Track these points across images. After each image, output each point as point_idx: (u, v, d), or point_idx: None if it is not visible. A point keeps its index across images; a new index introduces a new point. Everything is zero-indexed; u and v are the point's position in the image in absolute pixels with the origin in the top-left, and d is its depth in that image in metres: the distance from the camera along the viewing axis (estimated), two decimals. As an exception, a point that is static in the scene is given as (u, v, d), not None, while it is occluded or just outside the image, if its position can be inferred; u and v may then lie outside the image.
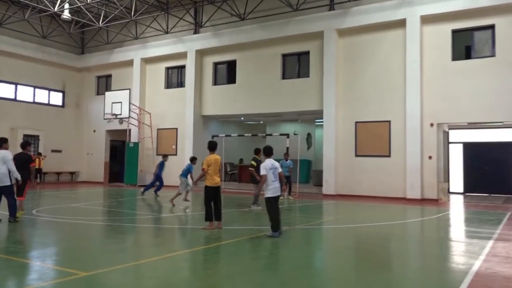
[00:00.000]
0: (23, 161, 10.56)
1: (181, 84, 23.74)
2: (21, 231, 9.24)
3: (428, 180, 16.68)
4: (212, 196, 9.19)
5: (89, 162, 26.54)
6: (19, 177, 9.85)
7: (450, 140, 19.97)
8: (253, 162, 13.20)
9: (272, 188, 8.25)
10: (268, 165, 8.31)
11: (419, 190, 16.53)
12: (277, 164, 8.52)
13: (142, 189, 17.60)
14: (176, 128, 23.18)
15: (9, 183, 9.68)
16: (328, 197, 17.66)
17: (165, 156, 17.06)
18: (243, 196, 17.60)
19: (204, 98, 22.59)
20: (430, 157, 16.74)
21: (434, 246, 8.19)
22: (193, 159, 14.52)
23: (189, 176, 14.10)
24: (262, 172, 8.23)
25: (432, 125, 16.78)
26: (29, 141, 12.22)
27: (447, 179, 19.12)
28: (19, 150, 11.03)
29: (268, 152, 8.67)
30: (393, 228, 10.24)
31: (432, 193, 16.58)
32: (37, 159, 21.98)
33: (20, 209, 10.50)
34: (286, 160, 16.52)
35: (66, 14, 22.03)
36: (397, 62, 17.49)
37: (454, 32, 16.69)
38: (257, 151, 13.51)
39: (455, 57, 16.68)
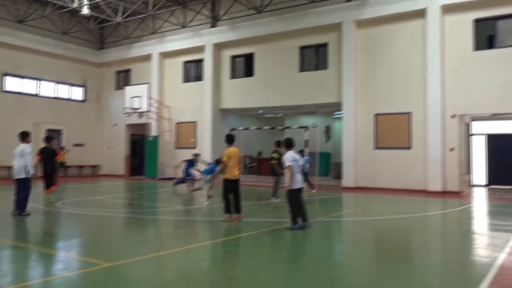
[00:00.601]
0: (48, 155, 11.09)
1: (199, 78, 23.83)
2: (46, 223, 9.47)
3: (450, 173, 16.43)
4: (231, 188, 9.25)
5: (110, 156, 26.93)
6: (31, 171, 9.90)
7: (472, 132, 19.60)
8: (274, 155, 13.22)
9: (296, 180, 8.26)
10: (291, 157, 8.32)
11: (441, 182, 16.30)
12: (298, 156, 8.53)
13: (174, 181, 17.78)
14: (195, 122, 23.33)
15: (23, 176, 9.72)
16: (347, 189, 17.57)
17: (196, 156, 16.98)
18: (262, 189, 17.64)
19: (222, 92, 22.65)
20: (451, 149, 16.47)
21: (457, 239, 8.09)
22: (217, 162, 14.38)
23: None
24: (287, 163, 8.22)
25: (453, 116, 16.48)
26: (52, 135, 12.85)
27: (469, 171, 18.80)
28: (42, 145, 11.30)
29: (289, 144, 8.65)
30: (414, 220, 10.14)
31: (454, 186, 16.33)
32: (62, 153, 22.47)
33: (49, 197, 11.27)
34: (303, 156, 16.44)
35: (85, 10, 22.29)
36: (417, 53, 17.21)
37: (477, 21, 16.31)
38: (278, 144, 13.54)
39: (478, 47, 16.31)
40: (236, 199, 9.30)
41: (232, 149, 9.41)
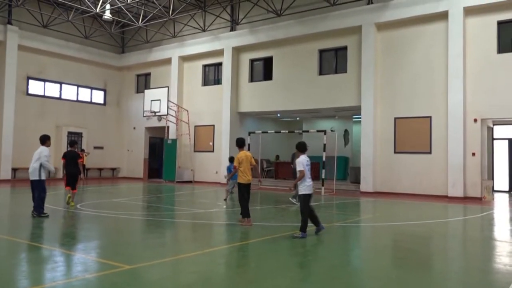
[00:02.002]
0: (72, 158, 12.00)
1: (218, 81, 23.98)
2: (67, 224, 9.65)
3: (471, 178, 16.15)
4: (246, 192, 9.29)
5: (129, 159, 27.28)
6: (52, 169, 10.24)
7: (494, 136, 19.23)
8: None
9: (308, 185, 8.17)
10: (304, 161, 8.24)
11: (462, 188, 16.04)
12: (309, 161, 8.46)
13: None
14: (213, 125, 23.46)
15: (37, 178, 9.94)
16: (366, 194, 17.42)
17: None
18: (280, 193, 17.62)
19: (240, 95, 22.74)
20: (473, 154, 16.19)
21: (478, 246, 7.94)
22: (231, 159, 14.76)
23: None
24: (300, 167, 8.14)
25: (475, 120, 16.22)
26: (75, 140, 13.95)
27: (491, 176, 18.44)
28: (63, 147, 11.62)
29: (303, 148, 8.50)
30: (435, 226, 9.99)
31: (476, 191, 16.04)
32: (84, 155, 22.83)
33: (71, 201, 11.86)
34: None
35: (107, 15, 22.70)
36: (438, 56, 16.99)
37: (500, 23, 16.04)
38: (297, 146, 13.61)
39: (501, 49, 16.02)
40: (247, 202, 9.37)
41: (243, 153, 9.47)
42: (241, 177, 9.32)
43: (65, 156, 12.21)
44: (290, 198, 13.54)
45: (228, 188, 14.61)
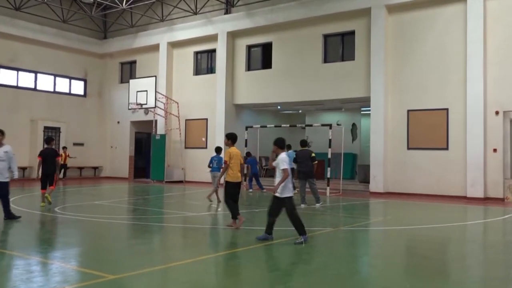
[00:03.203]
0: (49, 156, 12.21)
1: (211, 70, 23.95)
2: (43, 230, 9.64)
3: (493, 177, 16.20)
4: (235, 192, 9.26)
5: (113, 156, 27.27)
6: (8, 175, 10.04)
7: (518, 131, 19.27)
8: (313, 154, 13.44)
9: (290, 186, 8.11)
10: (287, 159, 8.14)
11: (482, 188, 16.09)
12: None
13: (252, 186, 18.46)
14: (206, 119, 23.46)
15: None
16: (376, 195, 17.47)
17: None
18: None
19: (236, 85, 22.72)
20: (495, 150, 16.24)
21: (500, 252, 7.98)
22: (218, 150, 14.62)
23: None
24: (284, 165, 8.00)
25: (497, 113, 16.25)
26: (52, 136, 14.06)
27: (515, 175, 18.50)
28: (39, 144, 11.64)
29: (282, 144, 8.38)
30: (452, 230, 10.03)
31: (497, 192, 16.10)
32: (62, 154, 22.87)
33: (44, 200, 12.19)
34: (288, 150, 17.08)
35: (87, -4, 22.60)
36: (456, 41, 17.00)
37: (525, 5, 16.05)
38: (303, 143, 13.75)
39: (526, 34, 16.05)
40: (236, 204, 9.38)
41: (235, 149, 9.50)
42: (229, 174, 9.33)
43: (42, 154, 12.30)
44: (315, 205, 13.55)
45: (214, 185, 14.27)
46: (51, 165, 12.26)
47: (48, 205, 12.25)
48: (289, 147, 17.57)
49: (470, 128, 16.41)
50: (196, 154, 23.58)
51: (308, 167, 13.35)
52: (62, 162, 22.45)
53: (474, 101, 16.36)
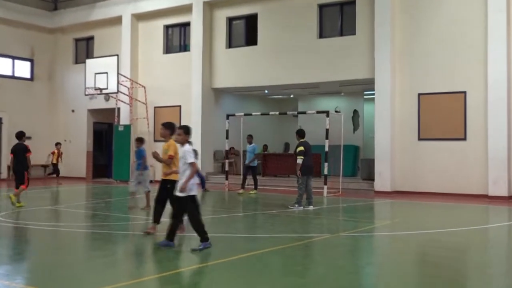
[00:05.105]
0: (18, 152, 13.43)
1: (184, 47, 23.82)
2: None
3: (518, 172, 16.43)
4: (169, 194, 9.13)
5: (67, 152, 26.97)
6: None
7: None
8: (301, 148, 13.49)
9: (195, 183, 8.20)
10: (192, 152, 8.23)
11: (506, 185, 16.27)
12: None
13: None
14: (180, 106, 23.35)
15: None
16: (382, 194, 17.57)
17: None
18: (269, 195, 17.66)
19: (215, 66, 22.64)
20: (520, 141, 16.45)
21: (527, 260, 8.09)
22: (140, 140, 14.22)
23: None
24: (191, 159, 8.07)
25: (523, 96, 16.46)
26: (23, 131, 14.55)
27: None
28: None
29: (188, 130, 8.42)
30: (471, 235, 10.13)
31: (524, 189, 16.34)
32: (56, 151, 23.10)
33: (18, 200, 13.29)
34: (250, 143, 17.23)
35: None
36: (475, 12, 17.11)
37: (555, -32, 16.22)
38: (299, 133, 13.88)
39: (556, 3, 16.23)
40: (163, 207, 9.40)
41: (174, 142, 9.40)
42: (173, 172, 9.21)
43: (12, 150, 13.67)
44: (289, 206, 13.59)
45: (145, 188, 13.60)
46: (19, 163, 13.44)
47: (14, 207, 13.04)
48: (250, 139, 17.76)
49: (492, 115, 16.56)
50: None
51: (312, 162, 13.66)
52: (54, 161, 22.95)
53: (496, 82, 16.50)
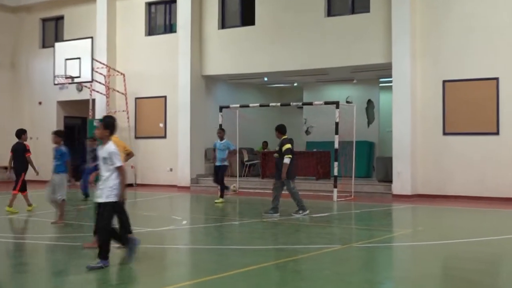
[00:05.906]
0: (16, 152, 14.54)
1: (170, 28, 23.81)
2: None
3: (560, 171, 16.47)
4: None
5: (33, 151, 26.80)
6: None
7: None
8: (287, 146, 13.37)
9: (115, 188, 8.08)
10: (118, 152, 8.23)
11: (546, 186, 16.34)
12: None
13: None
14: (165, 96, 23.34)
15: None
16: (401, 198, 17.57)
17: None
18: (270, 199, 17.64)
19: (206, 50, 22.62)
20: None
21: None
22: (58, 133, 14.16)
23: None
24: (119, 162, 8.07)
25: None
26: (22, 128, 15.20)
27: None
28: None
29: (108, 125, 8.25)
30: (506, 245, 10.14)
31: None
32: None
33: (11, 205, 14.47)
34: (222, 139, 16.76)
35: None
36: (509, -15, 17.15)
37: None
38: (280, 129, 13.91)
39: None
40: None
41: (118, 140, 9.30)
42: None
43: (11, 149, 14.71)
44: (293, 214, 13.61)
45: (58, 196, 13.21)
46: (18, 163, 14.60)
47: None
48: (222, 133, 17.32)
49: (528, 105, 16.62)
50: (152, 145, 23.47)
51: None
52: None
53: (534, 67, 16.56)
